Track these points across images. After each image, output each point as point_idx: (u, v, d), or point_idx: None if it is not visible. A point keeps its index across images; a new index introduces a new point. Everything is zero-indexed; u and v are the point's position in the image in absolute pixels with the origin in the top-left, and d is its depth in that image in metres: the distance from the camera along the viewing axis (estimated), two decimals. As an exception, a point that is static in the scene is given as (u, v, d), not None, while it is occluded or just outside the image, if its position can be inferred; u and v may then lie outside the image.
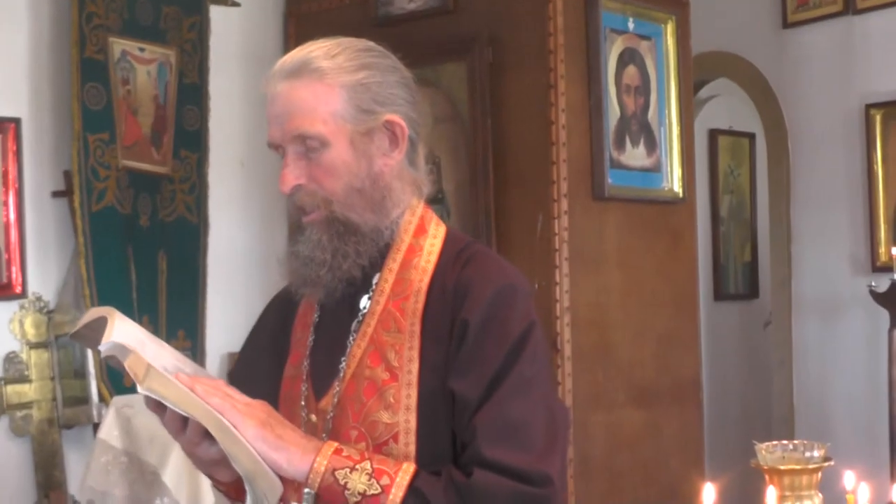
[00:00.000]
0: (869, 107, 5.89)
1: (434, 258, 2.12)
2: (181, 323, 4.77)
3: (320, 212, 2.08)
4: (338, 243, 2.08)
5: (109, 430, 4.25)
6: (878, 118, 5.86)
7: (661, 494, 4.46)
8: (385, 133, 2.11)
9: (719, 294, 7.52)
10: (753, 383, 7.18)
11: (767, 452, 2.36)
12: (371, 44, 2.18)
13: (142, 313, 4.58)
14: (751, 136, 7.56)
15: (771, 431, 6.15)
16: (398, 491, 1.94)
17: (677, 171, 4.64)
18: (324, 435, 2.07)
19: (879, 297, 5.46)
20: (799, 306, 6.20)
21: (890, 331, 5.44)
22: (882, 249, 5.75)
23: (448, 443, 2.02)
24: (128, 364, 1.93)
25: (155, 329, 4.56)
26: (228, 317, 4.90)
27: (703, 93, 6.94)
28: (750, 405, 7.17)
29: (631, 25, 4.58)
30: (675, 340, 4.67)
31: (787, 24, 6.28)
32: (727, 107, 7.26)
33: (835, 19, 6.08)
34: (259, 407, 2.00)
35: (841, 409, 6.00)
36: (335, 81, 2.07)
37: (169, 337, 4.65)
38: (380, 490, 1.94)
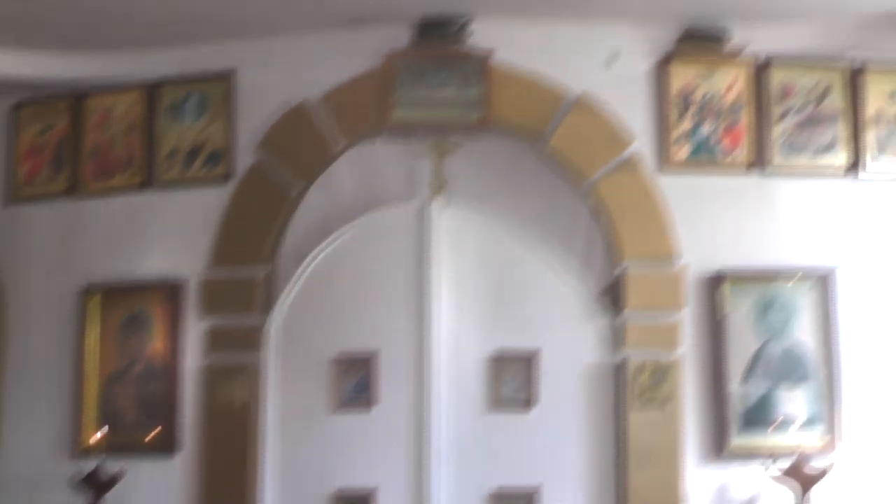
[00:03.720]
0: (87, 288, 6.01)
1: None
2: None
3: None
4: None
5: None
6: (94, 300, 6.00)
7: None
8: None
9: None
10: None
11: None
12: None
13: None
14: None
15: None
16: None
17: None
18: None
19: (81, 482, 5.51)
20: (3, 487, 6.11)
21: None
22: (87, 433, 5.82)
23: None
24: None
25: None
26: None
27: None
28: None
29: None
30: None
31: (11, 200, 6.29)
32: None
33: (60, 200, 6.19)
34: None
35: None
36: None
37: None
38: None
